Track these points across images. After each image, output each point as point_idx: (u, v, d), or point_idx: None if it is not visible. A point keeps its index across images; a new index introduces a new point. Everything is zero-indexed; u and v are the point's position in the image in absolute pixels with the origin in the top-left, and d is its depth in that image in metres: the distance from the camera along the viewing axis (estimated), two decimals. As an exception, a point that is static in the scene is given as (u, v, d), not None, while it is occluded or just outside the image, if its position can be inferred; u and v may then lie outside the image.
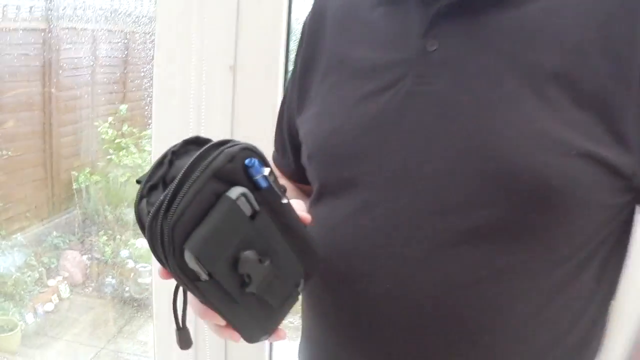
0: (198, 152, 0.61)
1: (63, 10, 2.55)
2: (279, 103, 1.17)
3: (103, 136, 2.95)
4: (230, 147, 0.62)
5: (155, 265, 1.62)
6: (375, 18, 0.94)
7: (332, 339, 0.88)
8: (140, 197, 0.63)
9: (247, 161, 0.62)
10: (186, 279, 0.61)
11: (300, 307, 0.93)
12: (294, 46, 1.50)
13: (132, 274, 2.76)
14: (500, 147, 0.77)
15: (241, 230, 0.62)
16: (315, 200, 0.89)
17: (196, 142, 0.66)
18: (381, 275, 0.81)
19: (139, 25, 2.60)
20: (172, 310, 0.69)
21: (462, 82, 0.82)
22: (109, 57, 2.76)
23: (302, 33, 1.05)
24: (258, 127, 1.45)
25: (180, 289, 0.68)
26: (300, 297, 0.74)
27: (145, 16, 2.54)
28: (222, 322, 0.69)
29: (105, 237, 2.90)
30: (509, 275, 0.79)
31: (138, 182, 0.64)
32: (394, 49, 0.89)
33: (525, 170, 0.76)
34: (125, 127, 2.93)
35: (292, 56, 1.34)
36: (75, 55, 2.74)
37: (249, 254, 0.62)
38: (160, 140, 1.58)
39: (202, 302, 0.67)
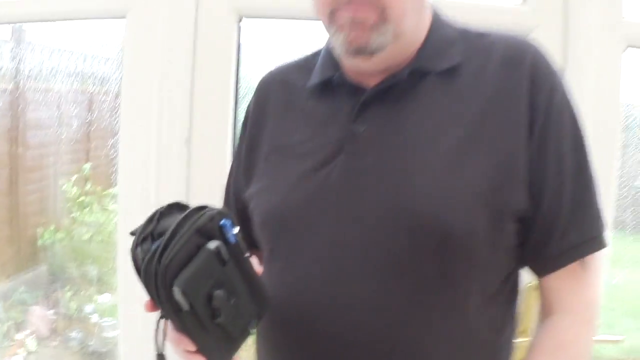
0: (185, 213, 0.81)
1: (30, 71, 2.60)
2: (228, 171, 1.33)
3: (67, 194, 2.98)
4: (210, 210, 0.82)
5: (124, 319, 1.77)
6: (311, 106, 1.09)
7: None
8: (135, 245, 0.82)
9: (222, 222, 0.82)
10: (171, 309, 0.79)
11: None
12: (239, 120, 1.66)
13: (97, 328, 2.79)
14: (416, 207, 0.93)
15: (215, 274, 0.81)
16: (268, 261, 1.03)
17: (177, 206, 0.85)
18: (325, 318, 0.96)
19: (103, 86, 2.67)
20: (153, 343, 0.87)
21: (385, 156, 0.98)
22: (74, 116, 2.81)
23: (246, 118, 1.20)
24: (210, 192, 1.56)
25: (161, 322, 0.84)
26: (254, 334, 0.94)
27: (108, 77, 2.62)
28: (193, 348, 0.85)
29: (70, 293, 2.91)
30: (435, 306, 0.95)
31: (132, 234, 0.83)
32: (329, 131, 1.03)
33: (435, 224, 0.92)
34: (88, 186, 2.96)
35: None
36: (42, 115, 2.79)
37: (220, 292, 0.80)
38: (125, 201, 1.76)
39: (179, 329, 0.84)
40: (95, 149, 2.90)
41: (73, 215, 3.00)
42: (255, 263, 0.91)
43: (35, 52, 2.57)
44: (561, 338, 1.02)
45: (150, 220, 0.83)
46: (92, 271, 2.94)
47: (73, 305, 2.92)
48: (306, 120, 1.09)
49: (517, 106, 0.97)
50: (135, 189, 1.70)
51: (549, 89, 0.99)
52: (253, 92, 1.21)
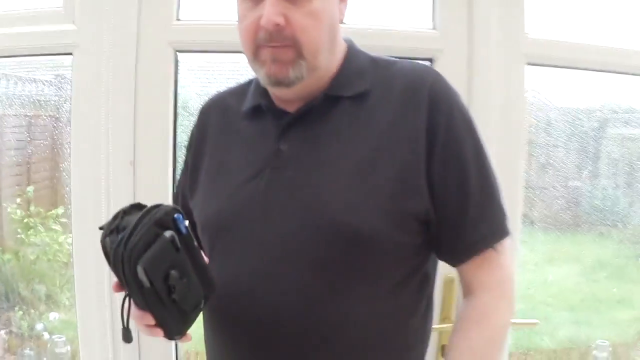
0: (145, 209, 0.96)
1: None
2: (169, 187, 1.48)
3: (12, 216, 2.94)
4: (165, 207, 0.97)
5: (82, 332, 1.86)
6: (244, 127, 1.23)
7: (222, 341, 1.18)
8: (104, 236, 0.97)
9: (175, 215, 0.97)
10: (135, 287, 0.93)
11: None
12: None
13: (49, 345, 2.78)
14: (328, 212, 1.07)
15: (170, 257, 0.95)
16: (209, 259, 1.12)
17: (137, 206, 0.99)
18: (253, 305, 1.09)
19: (41, 109, 2.63)
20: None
21: (303, 170, 1.12)
22: (15, 140, 2.74)
23: (190, 139, 1.35)
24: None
25: (126, 300, 0.99)
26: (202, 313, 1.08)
27: (47, 101, 2.59)
28: (153, 322, 0.98)
29: (20, 312, 2.92)
30: (348, 294, 1.08)
31: (101, 228, 0.98)
32: (258, 149, 1.18)
33: (345, 225, 1.06)
34: (32, 208, 2.90)
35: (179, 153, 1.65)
36: None
37: (174, 272, 0.95)
38: (78, 217, 1.86)
39: (141, 307, 0.98)
40: (35, 172, 2.87)
41: (19, 236, 2.95)
42: (203, 255, 1.04)
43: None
44: (482, 310, 1.14)
45: (115, 217, 0.97)
46: (41, 290, 2.92)
47: (24, 324, 2.91)
48: (240, 140, 1.23)
49: (417, 125, 1.09)
50: (87, 207, 1.81)
51: (446, 109, 1.12)
52: (197, 116, 1.36)
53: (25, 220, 2.95)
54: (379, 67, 1.19)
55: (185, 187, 1.32)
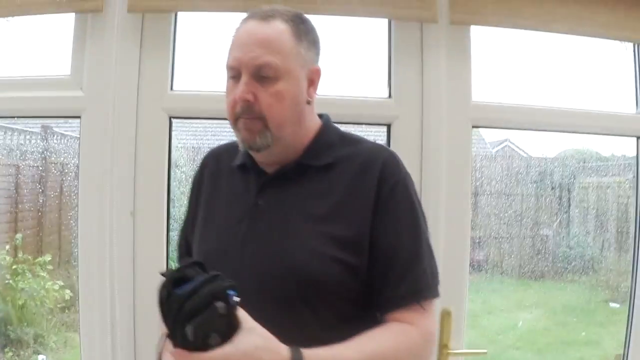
0: (205, 277, 1.03)
1: None
2: (164, 233, 1.74)
3: (1, 262, 2.90)
4: (223, 282, 1.04)
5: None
6: (232, 181, 1.39)
7: None
8: (163, 286, 1.03)
9: (229, 291, 1.04)
10: (179, 336, 1.02)
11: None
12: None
13: None
14: (290, 259, 1.24)
15: (215, 323, 1.04)
16: None
17: (199, 264, 1.06)
18: None
19: (27, 160, 2.70)
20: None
21: (273, 223, 1.29)
22: (1, 189, 2.78)
23: (192, 186, 1.51)
24: (151, 249, 1.91)
25: (165, 339, 1.06)
26: None
27: (33, 151, 2.66)
28: None
29: (10, 354, 2.93)
30: (310, 323, 1.23)
31: (162, 274, 1.05)
32: (241, 201, 1.35)
33: (303, 270, 1.23)
34: (20, 254, 2.92)
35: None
36: None
37: (215, 335, 1.04)
38: (85, 264, 1.99)
39: (176, 346, 1.04)
40: (23, 220, 2.91)
41: (7, 282, 2.96)
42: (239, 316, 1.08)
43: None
44: (397, 327, 1.25)
45: (178, 269, 1.06)
46: (29, 334, 2.96)
47: (14, 364, 2.92)
48: (228, 191, 1.40)
49: (367, 195, 1.26)
50: (92, 251, 1.96)
51: (392, 182, 1.28)
52: (197, 168, 1.52)
53: (14, 266, 2.97)
54: (345, 143, 1.36)
55: (187, 228, 1.50)
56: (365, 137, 1.44)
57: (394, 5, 1.98)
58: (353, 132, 1.45)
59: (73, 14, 2.01)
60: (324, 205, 1.28)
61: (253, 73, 1.25)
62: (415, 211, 1.32)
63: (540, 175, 2.56)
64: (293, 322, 1.22)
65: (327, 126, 1.39)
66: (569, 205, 2.65)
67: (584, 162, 2.69)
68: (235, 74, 1.28)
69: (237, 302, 1.05)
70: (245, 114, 1.26)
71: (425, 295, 1.28)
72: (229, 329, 1.06)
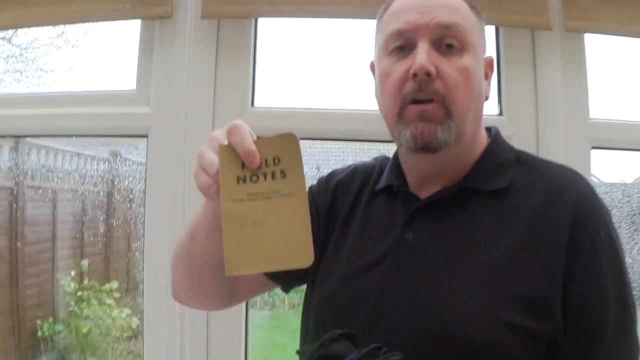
0: (361, 353, 0.83)
1: (27, 169, 2.59)
2: None
3: (65, 289, 2.98)
4: (388, 355, 0.83)
5: None
6: (372, 209, 1.12)
7: None
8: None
9: None
10: None
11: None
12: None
13: None
14: (443, 321, 0.93)
15: None
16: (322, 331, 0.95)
17: (345, 335, 0.87)
18: None
19: (95, 185, 2.71)
20: None
21: (425, 265, 0.98)
22: (69, 213, 2.85)
23: (318, 208, 1.19)
24: None
25: None
26: None
27: (99, 177, 2.67)
28: None
29: None
30: None
31: (298, 353, 0.89)
32: (382, 236, 1.06)
33: (460, 339, 0.91)
34: (86, 281, 2.96)
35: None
36: (39, 212, 2.81)
37: None
38: (150, 293, 1.83)
39: None
40: (89, 246, 2.93)
41: (71, 309, 3.01)
42: None
43: (31, 150, 2.60)
44: None
45: (320, 345, 0.86)
46: None
47: (77, 395, 2.91)
48: (365, 221, 1.11)
49: (557, 238, 0.95)
50: (160, 283, 1.75)
51: (592, 227, 0.96)
52: (325, 187, 1.22)
53: (79, 293, 2.98)
54: (523, 164, 1.06)
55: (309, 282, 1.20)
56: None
57: (505, 11, 1.77)
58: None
59: (139, 21, 1.88)
60: (495, 249, 0.97)
61: (435, 39, 1.00)
62: (622, 264, 0.99)
63: (617, 201, 2.32)
64: None
65: (498, 140, 1.11)
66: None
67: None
68: (403, 43, 1.02)
69: None
70: (421, 93, 0.98)
71: None
72: None
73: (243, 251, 0.88)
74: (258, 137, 0.93)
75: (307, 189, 0.90)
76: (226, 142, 0.92)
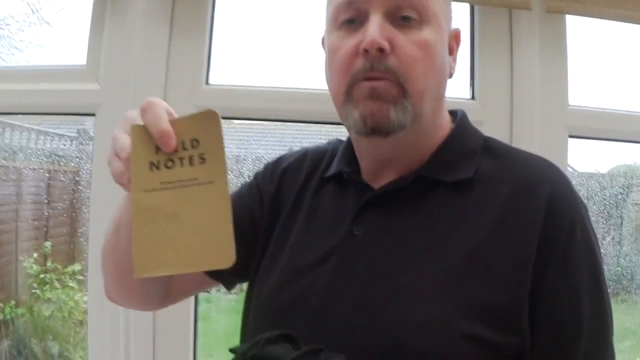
0: (297, 354, 0.75)
1: None
2: None
3: (28, 271, 2.95)
4: (329, 358, 0.76)
5: None
6: (319, 199, 1.02)
7: None
8: None
9: None
10: None
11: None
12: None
13: None
14: (396, 329, 0.83)
15: None
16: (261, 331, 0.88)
17: (288, 337, 0.78)
18: None
19: (60, 165, 2.68)
20: None
21: (374, 267, 0.88)
22: (33, 194, 2.79)
23: (256, 204, 1.10)
24: None
25: None
26: None
27: (65, 156, 2.65)
28: None
29: None
30: None
31: (231, 351, 0.79)
32: (329, 229, 0.96)
33: (415, 351, 0.81)
34: (49, 263, 2.93)
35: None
36: (1, 192, 2.75)
37: None
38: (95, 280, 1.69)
39: None
40: (54, 227, 2.88)
41: (34, 291, 2.96)
42: None
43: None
44: None
45: (255, 343, 0.78)
46: (53, 348, 2.90)
47: (36, 381, 2.87)
48: (311, 212, 1.02)
49: (527, 237, 0.85)
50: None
51: (568, 224, 0.87)
52: (270, 172, 1.12)
53: (42, 275, 2.94)
54: (491, 153, 0.95)
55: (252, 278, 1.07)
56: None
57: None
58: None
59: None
60: (455, 250, 0.86)
61: (390, 10, 0.88)
62: (599, 267, 0.89)
63: (590, 191, 2.37)
64: None
65: (464, 126, 0.99)
66: (621, 224, 2.51)
67: (634, 179, 2.55)
68: (354, 14, 0.91)
69: None
70: (372, 71, 0.87)
71: None
72: None
73: (155, 249, 0.78)
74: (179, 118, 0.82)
75: (228, 176, 0.79)
76: (142, 123, 0.81)
